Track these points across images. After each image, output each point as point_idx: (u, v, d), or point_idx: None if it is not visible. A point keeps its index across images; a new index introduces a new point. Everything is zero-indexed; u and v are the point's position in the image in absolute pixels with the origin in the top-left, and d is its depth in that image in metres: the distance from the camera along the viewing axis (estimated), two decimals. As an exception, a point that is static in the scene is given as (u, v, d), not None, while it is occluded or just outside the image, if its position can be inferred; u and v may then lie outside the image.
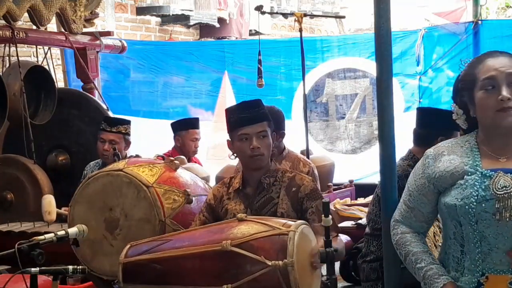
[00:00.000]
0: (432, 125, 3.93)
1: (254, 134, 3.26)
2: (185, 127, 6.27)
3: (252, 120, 3.27)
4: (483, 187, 2.39)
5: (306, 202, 3.24)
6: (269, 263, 2.75)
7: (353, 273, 5.44)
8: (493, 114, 2.39)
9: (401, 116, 6.84)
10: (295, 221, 2.90)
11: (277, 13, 11.14)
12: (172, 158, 3.97)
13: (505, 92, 2.37)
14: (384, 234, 2.88)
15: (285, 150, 4.54)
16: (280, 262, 2.74)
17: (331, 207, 5.22)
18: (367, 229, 4.19)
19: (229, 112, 3.37)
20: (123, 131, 5.25)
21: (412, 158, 3.93)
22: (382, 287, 3.51)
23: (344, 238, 4.42)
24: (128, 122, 5.38)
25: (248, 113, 3.29)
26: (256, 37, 7.38)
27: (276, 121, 4.49)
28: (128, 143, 5.29)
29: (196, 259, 2.92)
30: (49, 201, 4.88)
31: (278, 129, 4.48)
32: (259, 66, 6.22)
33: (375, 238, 4.06)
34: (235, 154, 3.38)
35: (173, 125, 6.37)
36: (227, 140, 3.38)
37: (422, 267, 2.49)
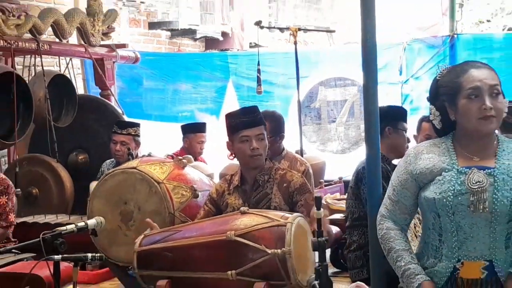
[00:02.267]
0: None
1: (254, 136, 3.27)
2: (193, 131, 6.27)
3: (252, 124, 3.28)
4: (459, 182, 2.39)
5: (296, 196, 3.26)
6: (269, 251, 2.75)
7: (341, 260, 5.43)
8: (475, 121, 2.40)
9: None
10: (292, 214, 2.90)
11: (274, 27, 11.11)
12: (180, 157, 3.97)
13: (488, 102, 2.38)
14: (370, 226, 2.86)
15: (284, 151, 4.52)
16: (279, 251, 2.74)
17: (323, 201, 5.20)
18: (347, 223, 4.14)
19: (230, 116, 3.37)
20: (133, 133, 5.24)
21: None
22: (367, 273, 3.49)
23: (334, 229, 4.42)
24: (137, 125, 5.36)
25: (248, 117, 3.30)
26: (256, 49, 7.36)
27: (277, 125, 4.49)
28: (138, 144, 5.28)
29: (203, 248, 2.92)
30: None
31: (279, 132, 4.46)
32: (258, 75, 6.20)
33: (355, 228, 4.05)
34: (233, 155, 3.38)
35: (183, 127, 6.36)
36: (227, 142, 3.38)
37: (402, 265, 2.48)
